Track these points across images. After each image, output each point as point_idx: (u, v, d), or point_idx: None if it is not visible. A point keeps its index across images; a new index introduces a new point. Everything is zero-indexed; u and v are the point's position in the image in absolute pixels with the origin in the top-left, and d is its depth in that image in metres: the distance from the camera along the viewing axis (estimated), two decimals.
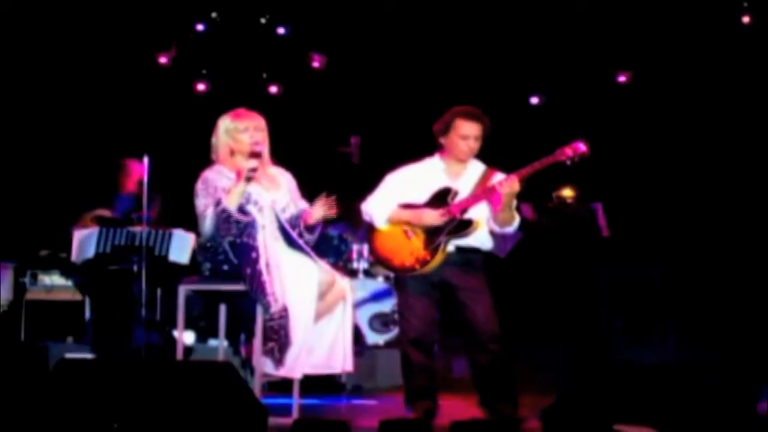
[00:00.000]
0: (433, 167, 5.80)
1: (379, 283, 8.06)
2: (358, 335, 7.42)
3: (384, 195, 5.79)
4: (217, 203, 5.50)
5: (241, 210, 5.54)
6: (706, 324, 8.54)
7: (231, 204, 5.50)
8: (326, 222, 5.79)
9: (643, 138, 9.30)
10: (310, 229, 5.69)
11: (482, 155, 5.82)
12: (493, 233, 5.79)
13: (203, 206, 5.55)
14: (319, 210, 5.66)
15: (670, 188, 9.23)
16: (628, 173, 9.28)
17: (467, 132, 5.69)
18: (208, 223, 5.54)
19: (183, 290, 5.70)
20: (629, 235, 9.09)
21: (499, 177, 5.68)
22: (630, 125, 9.28)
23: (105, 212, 7.72)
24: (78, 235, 7.38)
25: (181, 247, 7.26)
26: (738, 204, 9.00)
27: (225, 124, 5.70)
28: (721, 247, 8.96)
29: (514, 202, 5.67)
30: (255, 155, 5.55)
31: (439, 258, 5.65)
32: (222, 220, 5.51)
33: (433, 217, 5.65)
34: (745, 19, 8.99)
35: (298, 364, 5.51)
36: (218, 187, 5.55)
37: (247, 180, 5.48)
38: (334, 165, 8.31)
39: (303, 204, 5.78)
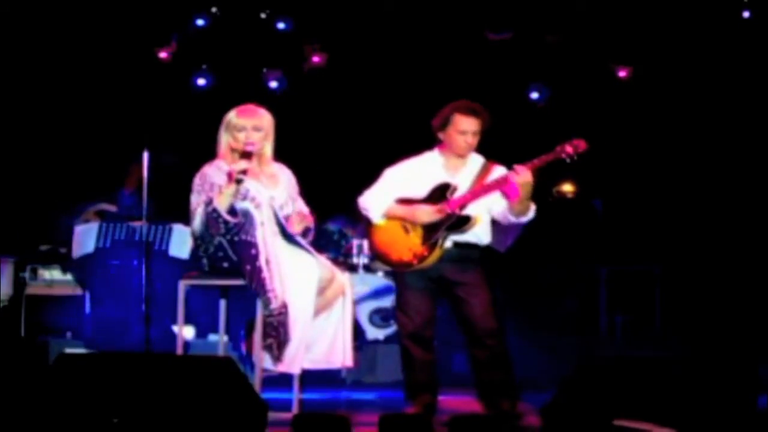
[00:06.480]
0: (432, 162, 5.78)
1: (379, 278, 8.05)
2: (358, 330, 7.42)
3: (381, 189, 5.76)
4: (209, 202, 5.49)
5: (231, 211, 5.52)
6: (706, 319, 8.54)
7: (221, 205, 5.48)
8: (323, 218, 5.78)
9: (644, 133, 9.29)
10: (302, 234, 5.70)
11: (482, 150, 5.80)
12: (496, 227, 5.78)
13: (195, 203, 5.55)
14: (296, 224, 5.65)
15: (670, 184, 9.23)
16: (629, 169, 9.28)
17: (465, 127, 5.66)
18: (197, 221, 5.54)
19: (183, 285, 5.70)
20: (630, 230, 9.10)
21: (499, 170, 5.67)
22: (630, 121, 9.28)
23: (109, 207, 7.72)
24: (78, 229, 7.38)
25: (181, 241, 7.26)
26: (739, 199, 9.00)
27: (229, 118, 5.67)
28: (722, 242, 8.96)
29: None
30: (245, 155, 5.52)
31: (436, 254, 5.63)
32: (211, 219, 5.50)
33: (428, 213, 5.62)
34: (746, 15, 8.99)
35: (297, 359, 5.51)
36: (214, 184, 5.53)
37: (237, 182, 5.46)
38: None
39: (300, 202, 5.77)
